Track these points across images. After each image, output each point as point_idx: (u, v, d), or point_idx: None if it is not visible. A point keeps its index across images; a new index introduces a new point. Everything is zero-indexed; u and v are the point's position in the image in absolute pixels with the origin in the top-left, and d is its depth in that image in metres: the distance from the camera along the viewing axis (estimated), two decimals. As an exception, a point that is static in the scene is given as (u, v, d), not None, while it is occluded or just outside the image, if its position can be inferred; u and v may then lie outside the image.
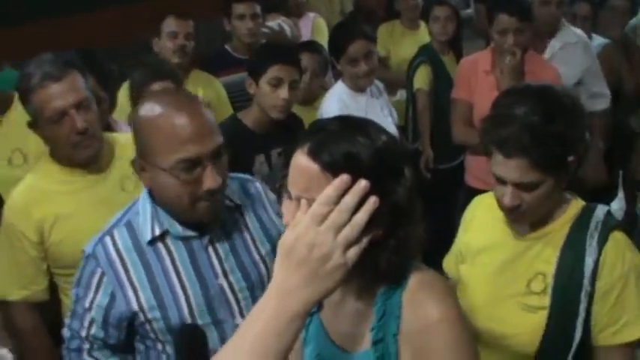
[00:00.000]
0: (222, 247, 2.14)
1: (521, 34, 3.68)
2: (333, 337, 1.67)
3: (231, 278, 2.13)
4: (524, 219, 2.05)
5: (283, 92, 3.19)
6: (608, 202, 2.28)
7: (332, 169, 1.42)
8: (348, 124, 1.53)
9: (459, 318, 1.55)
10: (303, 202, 1.34)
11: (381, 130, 1.54)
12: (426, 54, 4.77)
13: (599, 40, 4.73)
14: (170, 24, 4.04)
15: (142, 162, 2.03)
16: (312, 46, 4.17)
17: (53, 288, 2.66)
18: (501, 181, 1.99)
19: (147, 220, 2.09)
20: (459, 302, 1.62)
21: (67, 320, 2.21)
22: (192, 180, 1.96)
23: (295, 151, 1.51)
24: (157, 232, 2.08)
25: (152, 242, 2.09)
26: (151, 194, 2.10)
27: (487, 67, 3.88)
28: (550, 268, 2.03)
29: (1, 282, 2.63)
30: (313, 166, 1.45)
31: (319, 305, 1.71)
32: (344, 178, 1.25)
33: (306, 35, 5.10)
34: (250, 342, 1.21)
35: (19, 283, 2.59)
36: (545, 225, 2.07)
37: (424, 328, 1.51)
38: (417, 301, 1.54)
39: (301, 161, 1.48)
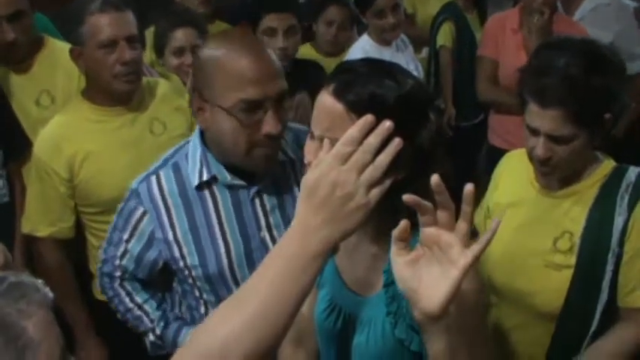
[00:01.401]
0: (270, 201, 2.09)
1: (551, -7, 3.63)
2: (346, 280, 1.68)
3: (274, 232, 2.08)
4: (554, 173, 2.03)
5: (278, 41, 3.14)
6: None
7: (356, 109, 1.41)
8: (375, 66, 1.53)
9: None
10: (326, 141, 1.32)
11: (408, 74, 1.54)
12: (449, 11, 4.72)
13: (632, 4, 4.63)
14: None
15: (201, 101, 1.96)
16: (340, -2, 4.13)
17: (79, 227, 2.70)
18: (534, 132, 1.97)
19: (195, 165, 2.04)
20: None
21: (104, 243, 2.24)
22: (252, 123, 1.90)
23: (320, 91, 1.51)
24: (205, 176, 2.03)
25: (198, 187, 2.05)
26: (203, 139, 2.05)
27: (515, 26, 3.85)
28: (578, 227, 2.01)
29: (30, 217, 2.68)
30: (338, 106, 1.45)
31: (335, 248, 1.72)
32: (368, 118, 1.22)
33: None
34: (270, 281, 1.21)
35: (48, 219, 2.63)
36: (574, 183, 2.05)
37: None
38: None
39: (326, 100, 1.48)
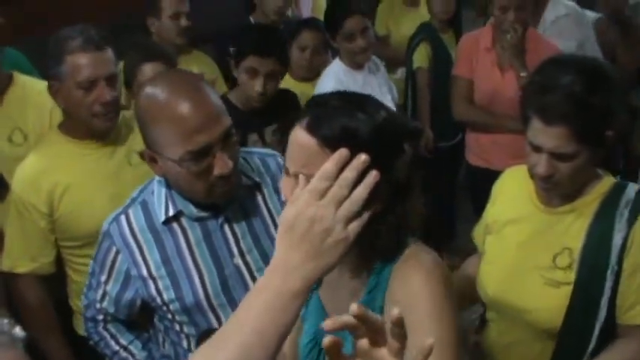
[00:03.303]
0: (239, 227, 2.09)
1: (522, 10, 3.64)
2: (330, 314, 1.66)
3: (247, 258, 2.09)
4: (556, 189, 2.03)
5: (258, 84, 3.12)
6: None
7: (331, 144, 1.41)
8: (347, 100, 1.53)
9: (444, 293, 1.53)
10: (302, 177, 1.31)
11: (381, 106, 1.54)
12: (425, 32, 4.73)
13: (591, 15, 4.66)
14: (172, 3, 3.94)
15: (151, 152, 1.97)
16: (312, 23, 4.13)
17: (59, 263, 2.68)
18: (537, 149, 1.96)
19: (161, 202, 2.05)
20: (449, 280, 1.59)
21: (85, 289, 2.25)
22: (202, 169, 1.90)
23: (294, 127, 1.50)
24: (171, 212, 2.04)
25: (166, 222, 2.05)
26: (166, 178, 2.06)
27: (488, 44, 3.87)
28: (577, 243, 2.00)
29: (10, 254, 2.64)
30: (312, 142, 1.45)
31: (318, 282, 1.69)
32: (343, 152, 1.22)
33: (306, 13, 5.09)
34: (252, 319, 1.19)
35: (28, 254, 2.61)
36: (574, 199, 2.04)
37: (407, 299, 1.50)
38: (404, 275, 1.55)
39: (300, 136, 1.48)
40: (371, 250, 1.55)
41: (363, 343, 1.15)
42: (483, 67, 3.88)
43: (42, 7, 4.48)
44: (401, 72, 4.95)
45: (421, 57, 4.67)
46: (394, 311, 1.10)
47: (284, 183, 1.54)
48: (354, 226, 1.21)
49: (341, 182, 1.20)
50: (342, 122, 1.44)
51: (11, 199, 2.61)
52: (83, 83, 2.45)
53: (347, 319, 1.12)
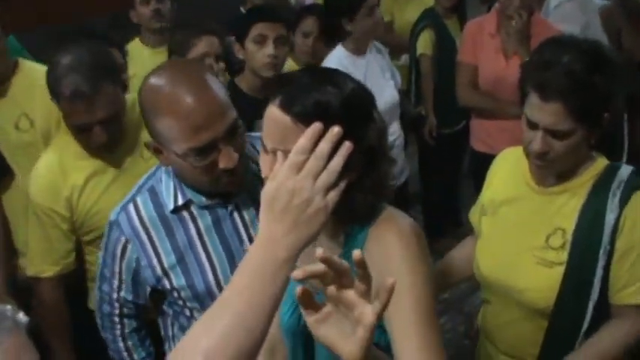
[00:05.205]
0: (249, 214, 2.07)
1: (527, -4, 3.65)
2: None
3: None
4: (550, 168, 2.04)
5: (268, 48, 3.11)
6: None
7: (304, 119, 1.46)
8: (316, 75, 1.59)
9: (418, 251, 1.60)
10: (279, 153, 1.37)
11: (348, 78, 1.59)
12: (429, 18, 4.73)
13: (597, 2, 4.67)
14: None
15: (155, 144, 1.93)
16: (315, 9, 4.13)
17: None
18: (533, 126, 1.97)
19: (170, 190, 2.04)
20: (423, 241, 1.64)
21: (97, 282, 2.23)
22: (207, 164, 1.87)
23: (267, 106, 1.55)
24: (180, 201, 2.02)
25: (176, 211, 2.04)
26: None
27: (492, 30, 3.87)
28: (570, 224, 2.02)
29: (34, 261, 2.64)
30: (286, 118, 1.50)
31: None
32: (316, 126, 1.27)
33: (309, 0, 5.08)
34: (240, 294, 1.24)
35: (51, 259, 2.61)
36: (568, 180, 2.05)
37: (382, 258, 1.57)
38: (379, 235, 1.62)
39: (274, 114, 1.52)
40: (348, 216, 1.61)
41: (332, 288, 1.27)
42: (488, 53, 3.89)
43: (41, 2, 4.48)
44: (405, 58, 4.95)
45: (425, 43, 4.67)
46: (355, 253, 1.21)
47: (262, 160, 1.58)
48: (332, 196, 1.27)
49: (317, 155, 1.25)
50: (313, 98, 1.49)
51: (31, 207, 2.59)
52: (76, 127, 2.40)
53: (314, 267, 1.23)
